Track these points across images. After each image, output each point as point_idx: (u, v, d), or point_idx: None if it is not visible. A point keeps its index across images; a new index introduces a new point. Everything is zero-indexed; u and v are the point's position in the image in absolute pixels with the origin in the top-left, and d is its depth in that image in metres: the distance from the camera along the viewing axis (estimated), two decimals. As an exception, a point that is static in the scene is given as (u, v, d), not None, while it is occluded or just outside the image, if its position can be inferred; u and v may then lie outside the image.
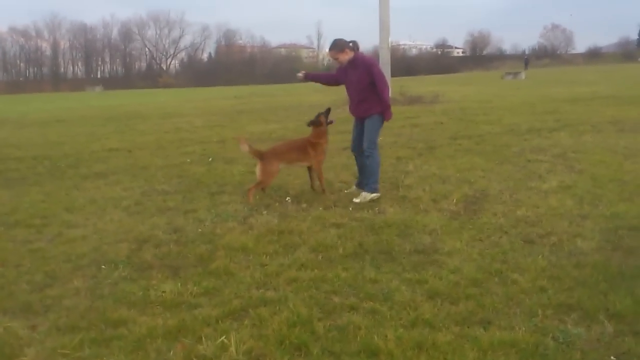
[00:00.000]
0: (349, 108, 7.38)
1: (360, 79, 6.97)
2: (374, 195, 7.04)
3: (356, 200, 6.98)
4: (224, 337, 3.58)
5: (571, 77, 41.22)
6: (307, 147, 7.22)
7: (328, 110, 7.39)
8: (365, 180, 7.17)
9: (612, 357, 3.28)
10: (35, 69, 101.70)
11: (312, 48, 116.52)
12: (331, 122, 7.37)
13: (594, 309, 3.78)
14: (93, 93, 66.11)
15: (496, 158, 9.28)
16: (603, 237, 5.23)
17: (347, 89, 7.25)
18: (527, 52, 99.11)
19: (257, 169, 7.14)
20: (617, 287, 4.10)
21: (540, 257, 4.78)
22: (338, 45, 7.02)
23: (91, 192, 8.12)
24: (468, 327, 3.62)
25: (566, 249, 4.98)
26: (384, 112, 7.02)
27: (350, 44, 7.03)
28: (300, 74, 7.65)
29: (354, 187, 7.45)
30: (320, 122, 7.29)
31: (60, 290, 4.55)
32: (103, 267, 5.01)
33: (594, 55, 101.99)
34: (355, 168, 7.58)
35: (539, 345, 3.39)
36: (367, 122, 7.10)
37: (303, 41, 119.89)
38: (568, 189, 7.00)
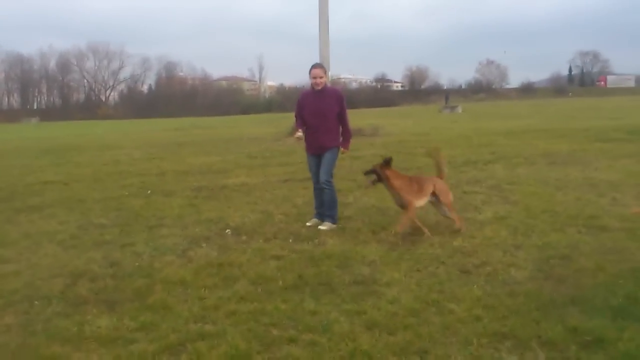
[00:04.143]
0: (307, 139, 7.21)
1: (330, 109, 7.03)
2: (334, 226, 7.11)
3: (322, 227, 7.04)
4: (160, 373, 3.51)
5: (506, 111, 42.71)
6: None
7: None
8: (327, 212, 7.21)
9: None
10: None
11: (254, 80, 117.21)
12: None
13: (526, 337, 3.87)
14: (29, 124, 64.56)
15: (434, 190, 9.40)
16: (535, 267, 5.38)
17: (310, 117, 7.09)
18: (462, 86, 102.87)
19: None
20: (549, 315, 4.21)
21: (475, 286, 4.87)
22: (323, 67, 7.16)
23: (25, 226, 7.87)
24: (406, 357, 3.66)
25: (500, 278, 5.10)
26: (345, 144, 7.17)
27: None
28: (299, 134, 7.13)
29: (314, 219, 7.39)
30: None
31: (-10, 327, 4.39)
32: (36, 302, 4.86)
33: (527, 90, 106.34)
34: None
35: (474, 373, 3.45)
36: (327, 154, 7.11)
37: (245, 74, 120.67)
38: (503, 220, 7.19)
